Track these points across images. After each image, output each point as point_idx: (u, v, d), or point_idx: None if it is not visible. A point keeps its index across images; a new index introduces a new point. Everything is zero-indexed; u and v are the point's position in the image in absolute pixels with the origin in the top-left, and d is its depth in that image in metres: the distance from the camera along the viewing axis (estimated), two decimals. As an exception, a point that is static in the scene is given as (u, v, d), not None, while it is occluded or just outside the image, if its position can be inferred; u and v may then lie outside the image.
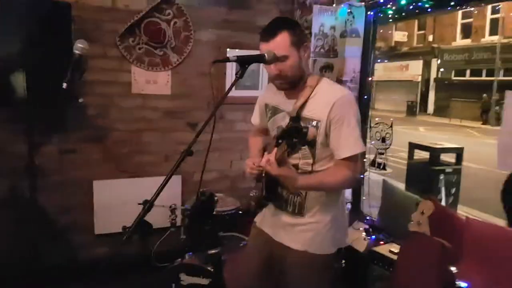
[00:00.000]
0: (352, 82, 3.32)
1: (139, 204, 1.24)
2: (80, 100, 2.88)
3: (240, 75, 1.49)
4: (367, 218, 3.20)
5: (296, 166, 1.57)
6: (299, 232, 1.61)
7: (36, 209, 2.59)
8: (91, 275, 2.38)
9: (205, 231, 1.40)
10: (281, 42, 1.49)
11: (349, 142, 1.50)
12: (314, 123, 1.54)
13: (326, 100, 1.53)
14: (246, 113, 3.52)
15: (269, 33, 1.51)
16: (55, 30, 2.52)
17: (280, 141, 1.36)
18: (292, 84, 1.58)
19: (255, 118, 1.90)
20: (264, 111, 1.81)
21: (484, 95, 17.39)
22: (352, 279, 2.47)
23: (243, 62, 1.50)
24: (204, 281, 2.20)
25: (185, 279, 2.26)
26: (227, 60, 1.50)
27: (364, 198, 3.38)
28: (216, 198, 1.41)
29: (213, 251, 1.37)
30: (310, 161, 1.57)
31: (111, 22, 3.00)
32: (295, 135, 1.25)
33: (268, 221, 1.72)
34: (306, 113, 1.56)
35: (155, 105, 3.26)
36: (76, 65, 1.81)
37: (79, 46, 1.83)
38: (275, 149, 1.39)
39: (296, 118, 1.55)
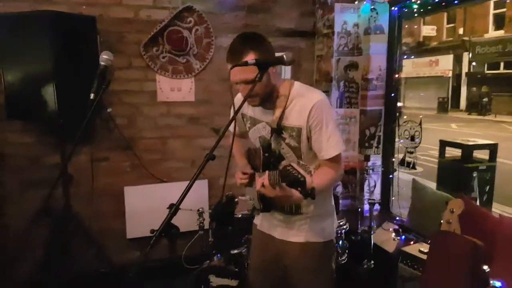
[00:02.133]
0: (378, 80, 3.28)
1: (168, 208, 1.27)
2: (109, 110, 2.99)
3: (259, 78, 1.50)
4: (397, 218, 3.14)
5: None
6: (299, 226, 1.70)
7: (70, 216, 2.69)
8: (124, 279, 2.46)
9: (227, 233, 1.41)
10: (248, 66, 1.44)
11: (331, 144, 1.56)
12: (296, 130, 1.59)
13: (303, 107, 1.57)
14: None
15: (234, 57, 1.50)
16: (82, 44, 2.64)
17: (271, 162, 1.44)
18: (264, 100, 1.61)
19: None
20: (241, 120, 1.83)
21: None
22: (381, 279, 2.42)
23: (262, 65, 1.51)
24: (233, 283, 2.22)
25: (214, 280, 2.28)
26: (246, 64, 1.50)
27: (393, 198, 3.31)
28: (236, 200, 1.42)
29: (235, 251, 1.38)
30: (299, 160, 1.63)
31: (134, 33, 3.10)
32: (296, 186, 1.28)
33: (267, 222, 1.79)
34: (285, 122, 1.61)
35: (180, 112, 3.33)
36: (101, 76, 1.87)
37: (104, 57, 1.90)
38: (267, 173, 1.40)
39: (278, 129, 1.61)
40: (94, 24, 2.74)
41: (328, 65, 3.41)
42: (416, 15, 3.32)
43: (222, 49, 3.34)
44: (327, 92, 3.44)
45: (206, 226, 2.85)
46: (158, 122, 3.28)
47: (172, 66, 3.21)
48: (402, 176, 3.31)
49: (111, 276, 2.80)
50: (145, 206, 3.14)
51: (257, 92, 1.52)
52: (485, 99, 18.52)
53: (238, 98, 1.74)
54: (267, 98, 1.60)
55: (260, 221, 1.84)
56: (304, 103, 1.57)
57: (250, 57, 1.46)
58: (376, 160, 3.30)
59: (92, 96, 1.84)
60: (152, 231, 1.25)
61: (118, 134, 3.11)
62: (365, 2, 3.23)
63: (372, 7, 3.19)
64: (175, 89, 3.27)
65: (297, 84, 1.65)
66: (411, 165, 3.20)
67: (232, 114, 1.84)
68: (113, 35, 3.02)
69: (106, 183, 3.14)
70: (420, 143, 3.14)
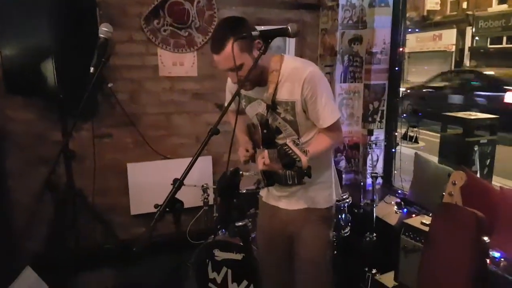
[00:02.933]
0: (382, 53, 3.24)
1: (172, 184, 1.27)
2: (110, 85, 2.95)
3: (263, 50, 1.48)
4: (399, 192, 3.17)
5: None
6: (301, 195, 1.76)
7: (73, 192, 2.71)
8: (129, 254, 2.50)
9: (232, 206, 1.42)
10: (230, 53, 1.44)
11: (328, 112, 1.59)
12: (290, 104, 1.61)
13: (295, 80, 1.58)
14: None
15: (217, 46, 1.50)
16: (81, 16, 2.58)
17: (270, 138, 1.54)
18: (256, 82, 1.62)
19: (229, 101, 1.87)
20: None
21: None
22: (384, 251, 2.47)
23: (266, 37, 1.48)
24: (238, 256, 2.26)
25: (220, 255, 2.33)
26: (250, 36, 1.47)
27: (395, 172, 3.33)
28: (241, 173, 1.42)
29: (240, 224, 1.40)
30: (296, 137, 1.65)
31: (135, 6, 3.03)
32: (291, 168, 1.33)
33: (272, 194, 1.84)
34: (280, 97, 1.62)
35: (183, 87, 3.29)
36: (101, 49, 1.84)
37: (104, 30, 1.86)
38: (266, 152, 1.47)
39: (273, 105, 1.62)
40: (93, -3, 2.68)
41: (333, 39, 3.35)
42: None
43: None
44: (332, 66, 3.40)
45: (211, 202, 2.87)
46: (162, 97, 3.26)
47: (174, 39, 3.16)
48: (404, 150, 3.32)
49: (116, 251, 2.85)
50: (149, 182, 3.15)
51: (247, 77, 1.50)
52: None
53: (230, 82, 1.77)
54: (258, 81, 1.61)
55: (266, 194, 1.90)
56: (296, 76, 1.58)
57: (231, 47, 1.44)
58: (379, 134, 3.30)
59: (92, 69, 1.82)
60: (156, 205, 1.26)
61: (121, 110, 3.08)
62: (370, -27, 3.14)
63: (377, -22, 3.11)
64: (178, 63, 3.23)
65: (287, 58, 1.65)
66: (413, 139, 3.20)
67: (227, 96, 1.87)
68: (113, 8, 2.96)
69: (109, 160, 3.15)
70: (423, 117, 3.13)
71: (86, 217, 2.85)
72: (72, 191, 2.69)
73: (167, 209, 1.26)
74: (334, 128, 1.62)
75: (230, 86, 1.84)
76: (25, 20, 2.46)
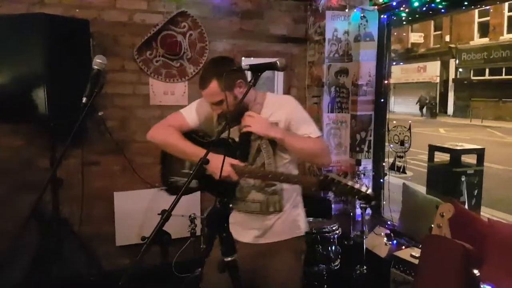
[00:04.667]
0: (368, 85, 3.32)
1: (158, 214, 1.26)
2: (100, 113, 2.96)
3: (253, 83, 1.52)
4: (388, 222, 3.17)
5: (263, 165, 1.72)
6: (274, 224, 1.75)
7: (59, 221, 2.65)
8: (114, 285, 2.43)
9: (222, 239, 1.41)
10: (213, 90, 1.64)
11: (313, 128, 1.72)
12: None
13: (277, 105, 1.75)
14: (262, 121, 3.56)
15: (202, 83, 1.69)
16: (75, 46, 2.62)
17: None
18: (238, 116, 1.70)
19: (194, 119, 1.84)
20: (214, 120, 1.83)
21: None
22: (374, 284, 2.44)
23: (256, 70, 1.52)
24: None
25: (206, 288, 2.27)
26: (240, 69, 1.53)
27: (384, 202, 3.34)
28: (231, 205, 1.42)
29: (229, 259, 1.38)
30: (272, 160, 1.72)
31: (128, 37, 3.09)
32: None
33: (240, 226, 1.74)
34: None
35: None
36: (94, 80, 1.86)
37: (98, 61, 1.88)
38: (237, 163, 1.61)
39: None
40: (87, 27, 2.73)
41: (320, 71, 3.45)
42: (404, 22, 3.39)
43: (217, 53, 3.34)
44: (319, 97, 3.47)
45: (198, 233, 2.83)
46: (151, 125, 3.24)
47: (166, 70, 3.21)
48: (392, 180, 3.35)
49: (100, 284, 2.76)
50: (136, 212, 3.10)
51: (229, 110, 1.64)
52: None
53: (201, 103, 1.85)
54: (236, 118, 1.70)
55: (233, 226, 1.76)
56: (278, 103, 1.77)
57: (214, 85, 1.64)
58: (367, 164, 3.33)
59: (84, 100, 1.83)
60: (143, 238, 1.24)
61: (109, 138, 3.08)
62: (355, 10, 3.27)
63: (362, 15, 3.23)
64: (169, 92, 3.27)
65: (270, 94, 1.82)
66: (401, 170, 3.24)
67: (189, 111, 1.87)
68: (106, 38, 3.01)
69: (97, 188, 3.11)
70: (409, 147, 3.19)
71: (71, 246, 2.77)
72: (57, 219, 2.63)
73: (154, 241, 1.24)
74: (321, 140, 1.74)
75: (200, 106, 1.85)
76: (19, 49, 2.49)
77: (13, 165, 2.91)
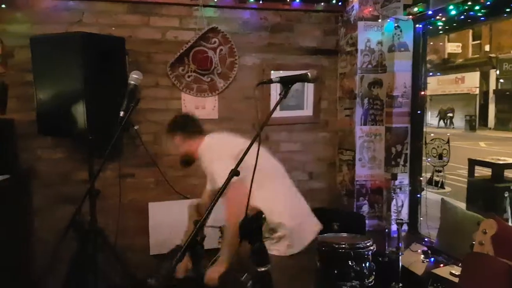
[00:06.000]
0: (403, 97, 3.25)
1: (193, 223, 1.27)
2: (135, 127, 3.05)
3: (283, 95, 1.51)
4: (425, 239, 3.04)
5: None
6: None
7: (96, 231, 2.72)
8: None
9: (254, 249, 1.39)
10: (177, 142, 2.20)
11: (223, 174, 1.44)
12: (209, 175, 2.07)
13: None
14: (291, 134, 3.54)
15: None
16: (112, 63, 2.73)
17: None
18: (184, 162, 2.30)
19: None
20: None
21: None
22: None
23: (286, 83, 1.53)
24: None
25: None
26: (270, 81, 1.54)
27: (421, 218, 3.21)
28: (264, 216, 1.40)
29: (262, 269, 1.35)
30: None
31: (161, 53, 3.19)
32: None
33: None
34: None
35: (204, 129, 3.35)
36: (131, 95, 1.93)
37: (134, 77, 1.97)
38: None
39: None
40: (123, 45, 2.84)
41: (352, 83, 3.40)
42: (440, 32, 3.29)
43: (246, 67, 3.39)
44: (351, 109, 3.41)
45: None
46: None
47: (197, 84, 3.28)
48: (430, 195, 3.22)
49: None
50: (169, 222, 3.14)
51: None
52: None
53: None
54: (188, 161, 2.23)
55: None
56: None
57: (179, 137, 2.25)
58: (403, 178, 3.22)
59: (121, 114, 1.90)
60: (178, 246, 1.27)
61: (144, 151, 3.16)
62: (388, 20, 3.22)
63: (396, 24, 3.18)
64: (200, 107, 3.33)
65: (207, 138, 2.19)
66: (439, 184, 3.11)
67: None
68: (141, 55, 3.12)
69: (131, 199, 3.19)
70: (448, 161, 3.06)
71: (106, 256, 2.84)
72: (94, 230, 2.71)
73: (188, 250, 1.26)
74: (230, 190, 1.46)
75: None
76: (61, 66, 2.63)
77: (53, 178, 3.05)
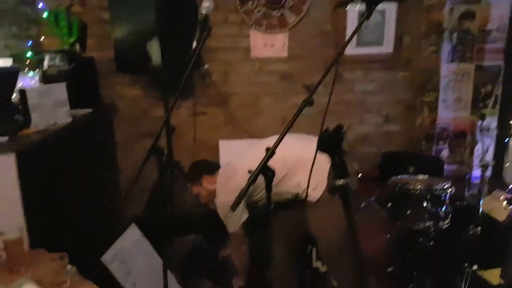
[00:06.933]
0: (498, 30, 2.91)
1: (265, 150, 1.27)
2: (206, 66, 3.09)
3: (366, 16, 1.37)
4: (510, 187, 2.80)
5: None
6: None
7: (173, 163, 2.89)
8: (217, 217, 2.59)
9: (333, 163, 1.36)
10: None
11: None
12: None
13: None
14: (367, 72, 3.32)
15: None
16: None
17: None
18: None
19: None
20: None
21: None
22: (490, 249, 2.22)
23: (371, 3, 1.38)
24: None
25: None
26: (351, 1, 1.39)
27: (507, 164, 2.95)
28: (344, 130, 1.32)
29: (339, 182, 1.32)
30: None
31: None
32: None
33: None
34: None
35: (272, 69, 3.30)
36: (203, 24, 1.90)
37: (205, 5, 1.92)
38: None
39: None
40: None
41: (440, 15, 3.06)
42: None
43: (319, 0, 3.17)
44: (438, 45, 3.11)
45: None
46: (251, 78, 3.31)
47: (267, 20, 3.16)
48: (520, 142, 2.91)
49: (204, 218, 2.98)
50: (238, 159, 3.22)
51: None
52: None
53: None
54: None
55: None
56: None
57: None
58: (490, 122, 2.94)
59: (194, 43, 1.89)
60: (250, 171, 1.28)
61: (214, 90, 3.21)
62: None
63: None
64: (268, 44, 3.24)
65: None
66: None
67: None
68: (210, -10, 3.05)
69: (203, 137, 3.31)
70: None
71: (181, 187, 3.03)
72: (171, 161, 2.87)
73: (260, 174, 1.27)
74: None
75: None
76: (134, 5, 2.67)
77: (132, 113, 3.24)
